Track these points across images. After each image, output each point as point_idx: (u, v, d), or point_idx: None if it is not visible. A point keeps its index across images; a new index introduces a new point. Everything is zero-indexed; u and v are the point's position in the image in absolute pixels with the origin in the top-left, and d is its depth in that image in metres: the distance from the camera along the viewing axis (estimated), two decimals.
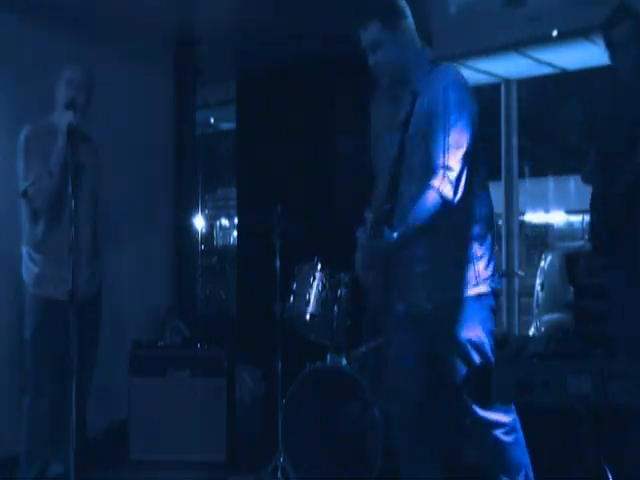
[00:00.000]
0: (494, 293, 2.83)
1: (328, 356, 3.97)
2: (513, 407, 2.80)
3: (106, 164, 3.85)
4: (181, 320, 5.17)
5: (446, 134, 2.64)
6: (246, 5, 4.81)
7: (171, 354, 4.60)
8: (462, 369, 2.78)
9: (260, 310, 4.78)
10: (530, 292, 8.15)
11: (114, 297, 4.90)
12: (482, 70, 7.64)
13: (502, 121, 8.66)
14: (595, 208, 3.35)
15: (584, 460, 3.30)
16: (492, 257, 2.81)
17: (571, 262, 6.47)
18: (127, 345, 4.62)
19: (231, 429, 4.50)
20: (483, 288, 2.77)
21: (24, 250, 3.62)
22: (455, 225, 2.74)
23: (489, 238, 2.82)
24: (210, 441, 4.43)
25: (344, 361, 3.90)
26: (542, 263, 7.75)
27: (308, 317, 3.93)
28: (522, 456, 2.82)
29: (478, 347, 2.78)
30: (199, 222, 6.65)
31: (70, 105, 3.46)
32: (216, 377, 4.50)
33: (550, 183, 20.69)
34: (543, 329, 6.72)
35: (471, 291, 2.75)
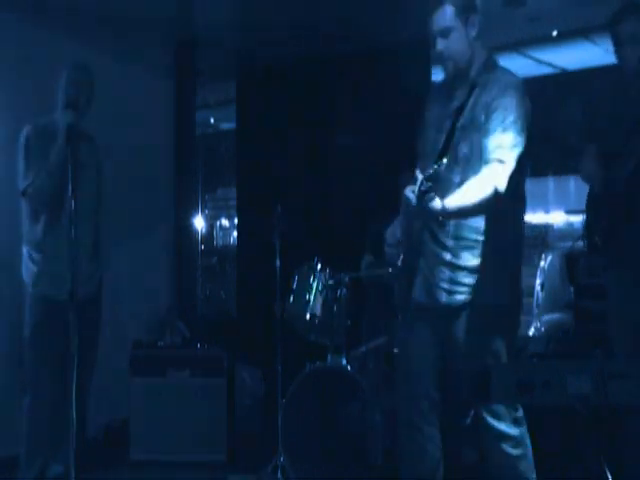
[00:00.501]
0: (520, 305, 2.87)
1: (328, 356, 3.97)
2: (524, 421, 2.76)
3: (106, 164, 3.85)
4: (181, 320, 5.17)
5: (504, 131, 2.67)
6: (246, 5, 4.81)
7: (171, 354, 4.60)
8: (475, 376, 2.75)
9: (260, 310, 4.79)
10: (530, 292, 8.14)
11: (114, 297, 4.90)
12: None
13: None
14: (593, 207, 3.35)
15: (584, 460, 3.30)
16: (520, 270, 2.85)
17: (571, 262, 6.46)
18: (127, 345, 4.62)
19: (231, 429, 4.50)
20: (503, 298, 2.77)
21: (24, 249, 3.62)
22: (494, 226, 2.74)
23: (521, 251, 2.87)
24: (210, 441, 4.43)
25: (344, 361, 3.89)
26: (542, 263, 7.74)
27: (308, 317, 3.93)
28: (528, 470, 2.77)
29: (497, 356, 2.76)
30: (199, 222, 6.65)
31: (70, 105, 3.46)
32: (216, 377, 4.50)
33: (550, 183, 20.66)
34: (543, 329, 6.70)
35: (494, 299, 2.74)
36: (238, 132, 6.69)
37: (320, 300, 3.94)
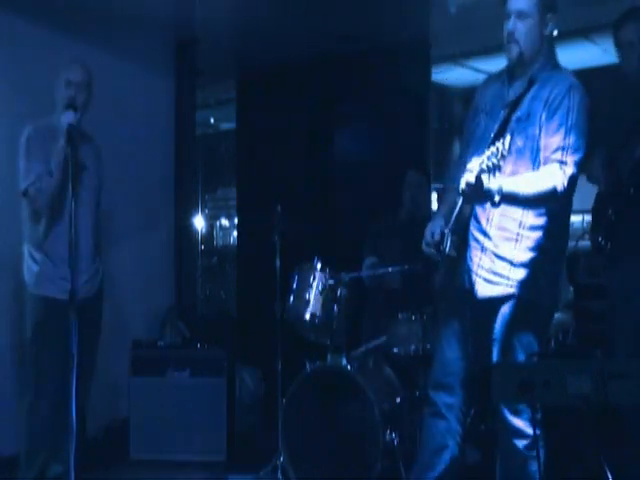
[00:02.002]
0: (553, 309, 2.91)
1: (328, 356, 3.97)
2: (541, 426, 2.77)
3: (106, 164, 3.85)
4: (181, 320, 5.17)
5: (568, 134, 2.65)
6: (246, 5, 4.81)
7: (171, 354, 4.60)
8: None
9: (260, 310, 4.79)
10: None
11: (114, 297, 4.91)
12: (482, 70, 7.62)
13: None
14: (598, 207, 3.35)
15: (584, 460, 3.30)
16: (560, 275, 2.86)
17: (571, 262, 6.46)
18: (127, 345, 4.62)
19: (231, 429, 4.50)
20: (545, 299, 2.79)
21: (25, 249, 3.62)
22: (539, 223, 2.74)
23: (563, 254, 2.87)
24: (210, 441, 4.43)
25: (344, 361, 3.89)
26: None
27: (308, 317, 3.93)
28: (536, 476, 2.76)
29: (527, 351, 2.75)
30: (199, 222, 6.65)
31: (70, 105, 3.46)
32: (216, 377, 4.50)
33: None
34: None
35: (535, 296, 2.75)
36: (238, 132, 6.69)
37: (320, 300, 3.94)
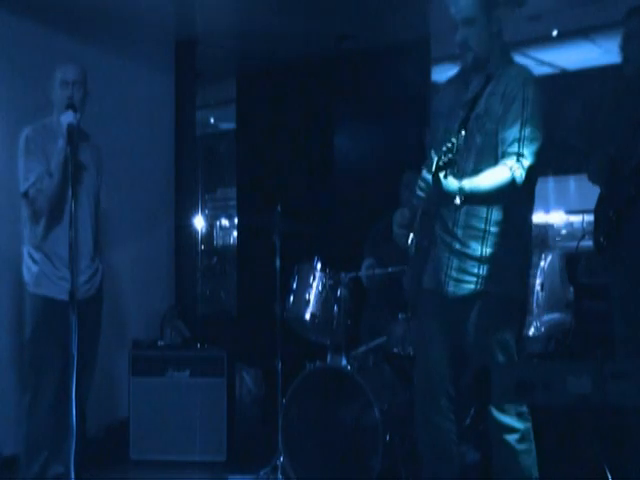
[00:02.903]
0: (525, 300, 2.92)
1: (328, 356, 3.97)
2: (529, 417, 2.77)
3: (106, 164, 3.85)
4: (181, 320, 5.17)
5: (523, 126, 2.69)
6: (246, 5, 4.81)
7: (171, 354, 4.60)
8: (484, 367, 2.75)
9: (260, 310, 4.79)
10: (530, 292, 8.13)
11: (114, 297, 4.91)
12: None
13: None
14: (600, 207, 3.35)
15: (584, 460, 3.30)
16: (528, 264, 2.89)
17: (571, 262, 6.46)
18: (127, 345, 4.62)
19: (231, 429, 4.50)
20: (516, 291, 2.80)
21: (24, 250, 3.62)
22: (504, 218, 2.76)
23: (529, 245, 2.90)
24: (210, 441, 4.43)
25: (344, 361, 3.89)
26: (542, 263, 7.74)
27: (308, 317, 3.93)
28: (532, 467, 2.78)
29: (504, 347, 2.76)
30: (199, 222, 6.65)
31: (70, 105, 3.46)
32: (216, 377, 4.50)
33: (550, 183, 20.67)
34: (543, 329, 6.70)
35: (505, 289, 2.76)
36: (238, 132, 6.69)
37: (320, 300, 3.94)
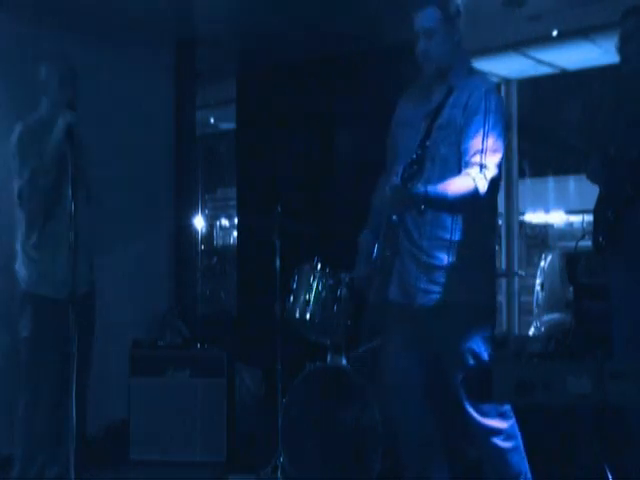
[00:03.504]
0: (494, 306, 2.95)
1: (328, 356, 3.97)
2: (512, 413, 2.80)
3: (106, 164, 3.84)
4: (181, 320, 5.17)
5: (485, 136, 2.71)
6: (246, 5, 4.81)
7: (171, 354, 4.60)
8: (458, 376, 2.78)
9: (260, 310, 4.78)
10: (530, 292, 8.15)
11: (114, 297, 4.90)
12: (482, 70, 7.62)
13: None
14: (599, 207, 3.35)
15: (584, 460, 3.30)
16: (495, 271, 2.97)
17: (571, 262, 6.46)
18: (127, 345, 4.62)
19: (231, 429, 4.50)
20: (484, 298, 2.84)
21: (19, 248, 3.60)
22: (469, 227, 2.79)
23: (494, 253, 2.95)
24: (210, 441, 4.43)
25: (344, 361, 3.89)
26: (542, 263, 7.75)
27: (308, 317, 3.93)
28: (521, 462, 2.81)
29: (476, 355, 2.79)
30: (199, 222, 6.65)
31: (69, 104, 3.45)
32: (216, 377, 4.50)
33: (550, 183, 20.67)
34: (543, 329, 6.72)
35: (473, 297, 2.79)
36: (238, 132, 6.69)
37: (320, 300, 3.94)
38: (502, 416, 2.77)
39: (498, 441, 2.77)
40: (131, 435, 4.47)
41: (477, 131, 2.71)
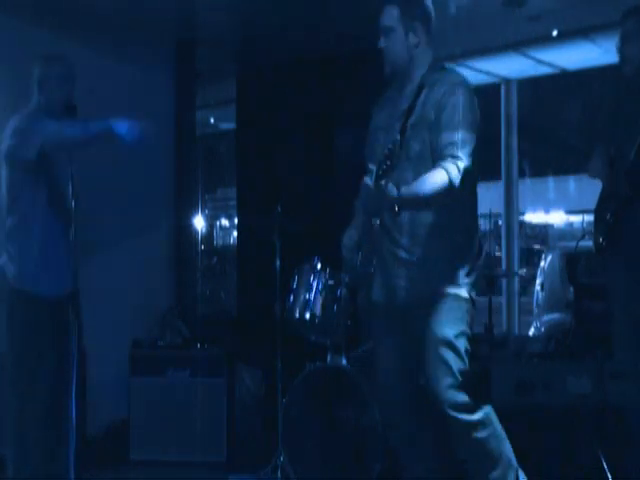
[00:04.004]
0: (472, 301, 2.89)
1: (328, 356, 3.97)
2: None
3: (106, 164, 3.84)
4: (181, 320, 5.17)
5: (456, 129, 2.72)
6: (246, 5, 4.81)
7: (171, 354, 4.60)
8: (435, 370, 2.79)
9: (260, 310, 4.78)
10: (530, 292, 8.15)
11: (114, 297, 4.91)
12: (482, 70, 7.63)
13: (502, 121, 8.65)
14: (600, 207, 3.35)
15: (584, 460, 3.30)
16: (474, 262, 2.88)
17: (571, 262, 6.46)
18: (127, 345, 4.62)
19: (231, 429, 4.50)
20: (462, 291, 2.83)
21: (7, 245, 3.51)
22: (438, 222, 2.80)
23: (476, 242, 2.92)
24: (210, 441, 4.43)
25: (344, 361, 3.89)
26: (542, 263, 7.75)
27: (308, 317, 3.93)
28: (499, 445, 2.82)
29: (452, 347, 2.79)
30: (199, 222, 6.64)
31: (71, 106, 3.44)
32: (216, 377, 4.50)
33: (550, 183, 20.70)
34: (543, 329, 6.72)
35: (449, 290, 2.80)
36: (238, 132, 6.68)
37: (320, 300, 3.94)
38: (472, 409, 2.77)
39: (475, 433, 2.77)
40: (131, 435, 4.47)
41: (448, 125, 2.73)
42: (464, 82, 2.85)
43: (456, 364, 2.78)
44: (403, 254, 2.83)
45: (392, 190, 2.59)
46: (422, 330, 2.82)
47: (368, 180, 2.63)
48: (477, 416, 2.77)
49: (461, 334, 2.83)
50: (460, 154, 2.70)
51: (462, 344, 2.82)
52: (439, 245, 2.81)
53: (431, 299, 2.81)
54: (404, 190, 2.64)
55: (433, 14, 2.94)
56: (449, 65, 2.99)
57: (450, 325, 2.80)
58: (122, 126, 3.38)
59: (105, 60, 4.87)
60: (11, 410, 3.50)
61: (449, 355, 2.78)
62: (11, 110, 4.14)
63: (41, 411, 3.45)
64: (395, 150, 2.56)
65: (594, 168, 3.37)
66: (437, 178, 2.68)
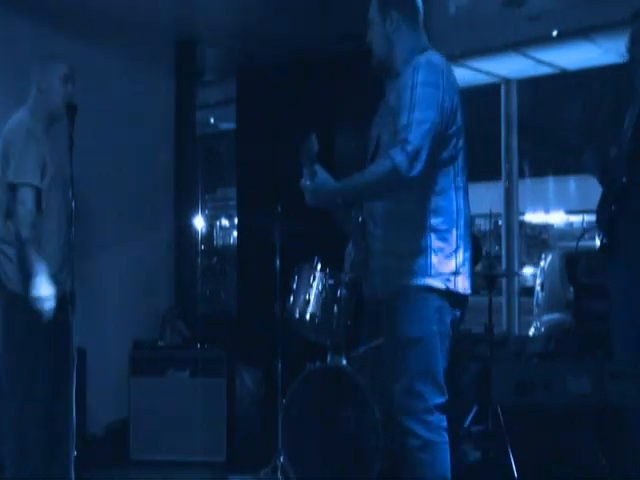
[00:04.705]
0: (452, 294, 2.66)
1: (328, 356, 3.97)
2: (441, 432, 2.63)
3: (106, 164, 3.84)
4: (181, 320, 5.17)
5: (410, 110, 2.59)
6: (246, 5, 4.81)
7: (171, 354, 4.61)
8: (398, 366, 2.67)
9: (260, 310, 4.78)
10: (530, 292, 8.15)
11: (114, 297, 4.91)
12: (482, 70, 7.64)
13: (502, 121, 8.66)
14: (601, 207, 3.35)
15: (584, 460, 3.30)
16: (453, 254, 2.66)
17: (571, 262, 6.46)
18: (127, 345, 4.62)
19: (231, 429, 4.50)
20: (434, 282, 2.63)
21: (1, 247, 3.47)
22: (410, 211, 2.69)
23: (453, 234, 2.67)
24: (210, 441, 4.43)
25: (344, 361, 3.89)
26: (542, 263, 7.75)
27: (308, 317, 3.93)
28: (435, 476, 2.61)
29: (416, 345, 2.64)
30: (199, 222, 6.64)
31: (73, 106, 3.43)
32: (216, 377, 4.50)
33: (550, 183, 20.71)
34: (543, 329, 6.71)
35: (418, 281, 2.64)
36: (238, 132, 6.69)
37: (320, 300, 3.94)
38: (427, 425, 2.61)
39: (413, 445, 2.61)
40: (131, 435, 4.47)
41: (404, 108, 2.60)
42: (424, 63, 2.69)
43: (417, 366, 2.62)
44: (378, 245, 2.75)
45: (330, 183, 2.59)
46: (388, 326, 2.73)
47: (303, 180, 2.64)
48: (422, 431, 2.59)
49: (431, 334, 2.63)
50: (410, 137, 2.54)
51: (430, 343, 2.64)
52: (410, 234, 2.69)
53: (401, 292, 2.67)
54: (343, 183, 2.60)
55: (416, 1, 2.85)
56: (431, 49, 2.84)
57: (415, 322, 2.65)
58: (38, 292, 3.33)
59: (105, 60, 4.86)
60: (10, 411, 3.49)
61: (409, 356, 2.64)
62: (11, 108, 4.15)
63: (40, 411, 3.44)
64: (373, 145, 2.53)
65: (588, 163, 3.38)
66: (380, 167, 2.59)
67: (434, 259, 2.65)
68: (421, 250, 2.66)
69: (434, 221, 2.67)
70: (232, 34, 5.50)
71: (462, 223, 2.71)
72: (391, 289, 2.71)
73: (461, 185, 2.73)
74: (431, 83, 2.63)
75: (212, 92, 7.21)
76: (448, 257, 2.66)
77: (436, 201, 2.68)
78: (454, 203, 2.71)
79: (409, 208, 2.70)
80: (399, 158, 2.52)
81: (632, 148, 3.16)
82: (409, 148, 2.53)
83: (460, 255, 2.68)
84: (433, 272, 2.65)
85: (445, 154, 2.68)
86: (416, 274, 2.65)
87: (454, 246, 2.67)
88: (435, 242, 2.66)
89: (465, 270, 2.69)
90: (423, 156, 2.54)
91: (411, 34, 2.84)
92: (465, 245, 2.71)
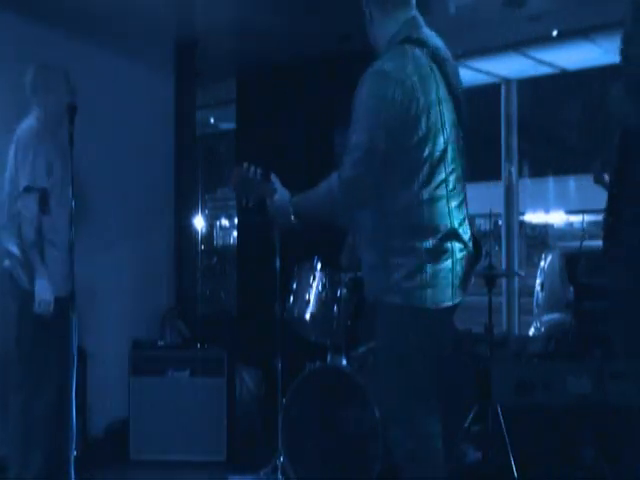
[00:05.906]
0: (420, 310, 2.56)
1: (328, 356, 3.97)
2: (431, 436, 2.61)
3: (106, 164, 3.85)
4: (181, 320, 5.17)
5: (352, 131, 2.55)
6: (246, 5, 4.81)
7: (171, 354, 4.61)
8: (383, 375, 2.67)
9: (260, 310, 4.79)
10: (530, 292, 8.15)
11: (115, 297, 4.91)
12: (482, 70, 7.63)
13: (502, 121, 8.66)
14: (606, 208, 3.36)
15: (584, 460, 3.30)
16: (418, 270, 2.52)
17: (571, 262, 6.46)
18: (127, 345, 4.63)
19: (231, 429, 4.51)
20: (395, 298, 2.56)
21: (13, 248, 3.54)
22: (369, 229, 2.63)
23: (419, 250, 2.52)
24: (210, 441, 4.43)
25: (344, 361, 3.89)
26: (542, 263, 7.75)
27: (308, 317, 3.93)
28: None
29: (394, 358, 2.62)
30: (199, 222, 6.64)
31: (74, 107, 3.45)
32: (216, 377, 4.51)
33: (550, 183, 20.71)
34: (543, 329, 6.71)
35: (384, 297, 2.60)
36: (238, 132, 6.69)
37: (320, 300, 3.94)
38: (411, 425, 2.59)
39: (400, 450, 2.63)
40: (131, 435, 4.47)
41: (350, 128, 2.56)
42: (371, 74, 2.58)
43: (399, 379, 2.58)
44: (363, 254, 2.71)
45: (287, 199, 2.63)
46: (380, 328, 2.72)
47: (267, 202, 2.69)
48: (413, 445, 2.57)
49: (405, 349, 2.57)
50: (345, 165, 2.53)
51: (407, 359, 2.57)
52: (373, 250, 2.63)
53: (376, 304, 2.65)
54: (296, 199, 2.66)
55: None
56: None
57: (386, 337, 2.65)
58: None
59: (105, 60, 4.87)
60: (16, 407, 3.52)
61: (389, 368, 2.61)
62: (11, 109, 4.16)
63: (46, 410, 3.47)
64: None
65: (595, 174, 3.39)
66: (320, 189, 2.63)
67: (396, 276, 2.54)
68: (384, 267, 2.58)
69: (393, 240, 2.56)
70: (232, 34, 5.49)
71: (436, 235, 2.53)
72: (371, 299, 2.70)
73: (429, 197, 2.53)
74: (375, 95, 2.51)
75: (212, 92, 7.20)
76: (412, 273, 2.52)
77: (395, 219, 2.56)
78: (419, 219, 2.54)
79: (368, 226, 2.64)
80: (335, 182, 2.57)
81: (620, 155, 3.16)
82: (342, 176, 2.55)
83: (429, 269, 2.52)
84: (396, 288, 2.55)
85: (404, 167, 2.52)
86: (382, 290, 2.60)
87: (420, 261, 2.52)
88: (395, 259, 2.55)
89: (437, 282, 2.53)
90: (357, 186, 2.54)
91: (382, 20, 2.77)
92: (441, 256, 2.54)
